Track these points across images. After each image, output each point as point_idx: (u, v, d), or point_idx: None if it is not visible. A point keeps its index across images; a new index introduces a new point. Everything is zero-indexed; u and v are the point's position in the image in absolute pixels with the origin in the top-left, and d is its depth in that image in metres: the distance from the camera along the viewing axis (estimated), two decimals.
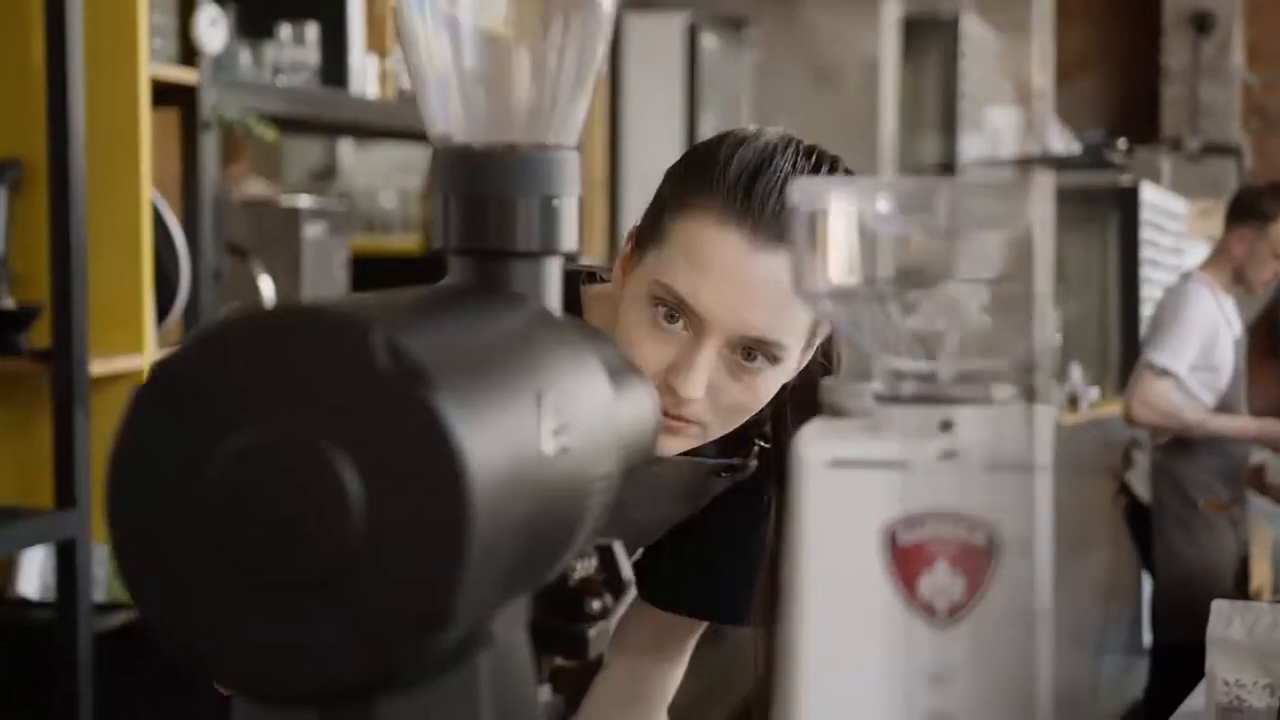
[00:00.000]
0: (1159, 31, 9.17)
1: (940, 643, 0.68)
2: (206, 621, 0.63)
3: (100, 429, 2.48)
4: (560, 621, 0.82)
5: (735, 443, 1.38)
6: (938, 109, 7.36)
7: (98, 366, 2.47)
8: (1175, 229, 7.43)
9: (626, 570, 0.87)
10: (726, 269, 1.23)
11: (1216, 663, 1.94)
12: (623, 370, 0.87)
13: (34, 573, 2.66)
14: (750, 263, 1.23)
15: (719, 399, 1.27)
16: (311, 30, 3.05)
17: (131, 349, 2.56)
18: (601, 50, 0.86)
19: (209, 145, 2.71)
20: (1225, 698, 1.93)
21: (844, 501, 0.69)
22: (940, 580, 0.68)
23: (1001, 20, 8.49)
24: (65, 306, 2.37)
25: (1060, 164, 5.86)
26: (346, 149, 5.29)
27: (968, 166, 5.39)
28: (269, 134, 2.77)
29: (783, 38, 5.52)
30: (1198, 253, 8.28)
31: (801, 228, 0.72)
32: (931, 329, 0.72)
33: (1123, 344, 7.04)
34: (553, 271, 0.83)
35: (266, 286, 2.94)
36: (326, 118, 3.20)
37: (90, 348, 2.45)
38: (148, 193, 2.55)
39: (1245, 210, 4.34)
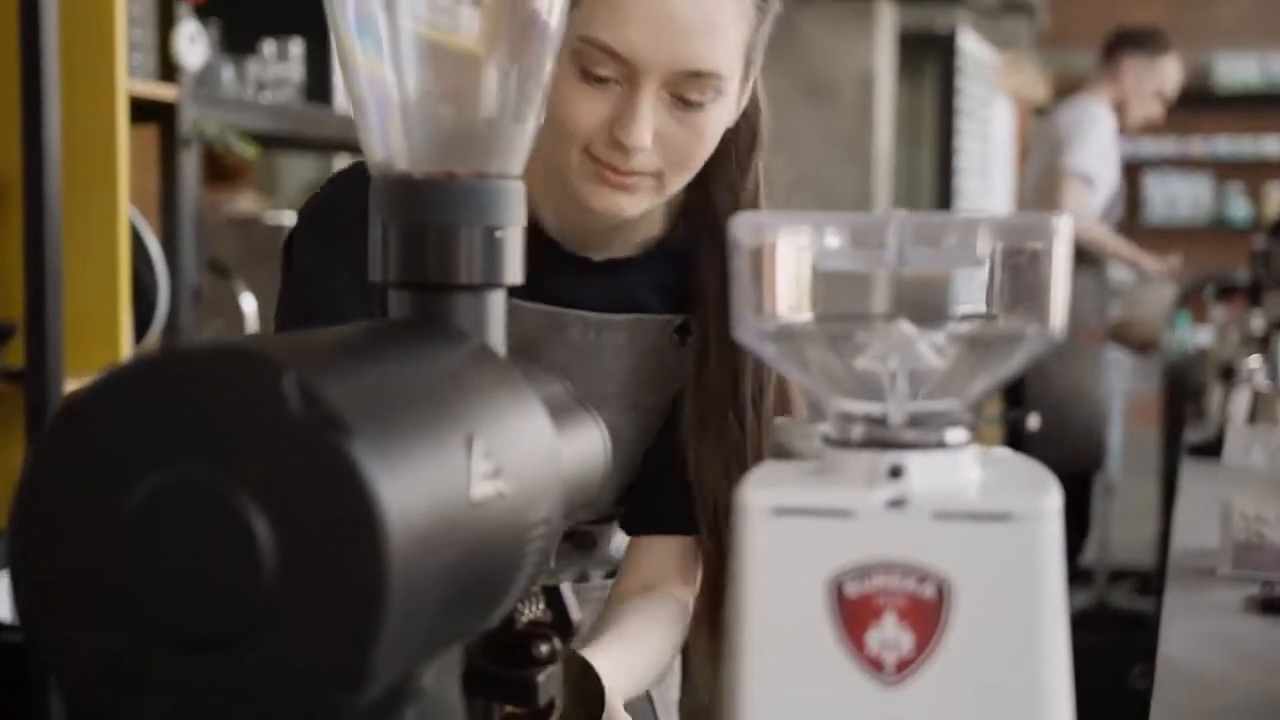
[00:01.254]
0: None
1: (888, 700, 0.65)
2: (108, 674, 0.60)
3: None
4: (507, 667, 0.79)
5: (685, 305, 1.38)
6: (934, 123, 7.36)
7: (73, 387, 2.44)
8: (986, 81, 7.62)
9: (575, 612, 0.84)
10: (648, 6, 1.20)
11: (1233, 494, 1.82)
12: (568, 407, 0.84)
13: (7, 595, 2.62)
14: None
15: (667, 145, 1.24)
16: (296, 46, 3.02)
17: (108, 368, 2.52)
18: (547, 73, 0.83)
19: (189, 162, 2.68)
20: (1243, 533, 1.81)
21: (789, 551, 0.66)
22: (888, 634, 0.65)
23: (998, 35, 8.52)
24: (39, 326, 2.34)
25: None
26: (342, 164, 5.27)
27: None
28: (249, 151, 2.74)
29: (778, 53, 5.47)
30: (1002, 106, 8.50)
31: (744, 263, 0.69)
32: (882, 369, 0.69)
33: (937, 195, 7.23)
34: (496, 305, 0.80)
35: (249, 305, 2.91)
36: (309, 134, 3.16)
37: (66, 367, 2.42)
38: (125, 210, 2.52)
39: (1136, 42, 4.47)
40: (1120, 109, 4.50)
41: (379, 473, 0.58)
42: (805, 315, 0.70)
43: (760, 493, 0.67)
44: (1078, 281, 4.45)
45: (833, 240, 0.69)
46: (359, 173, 1.30)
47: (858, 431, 0.69)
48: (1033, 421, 3.61)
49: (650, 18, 1.19)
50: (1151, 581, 5.19)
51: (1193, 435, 3.33)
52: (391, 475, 0.59)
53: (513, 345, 1.26)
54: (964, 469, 0.68)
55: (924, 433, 0.68)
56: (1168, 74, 4.50)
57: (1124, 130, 4.57)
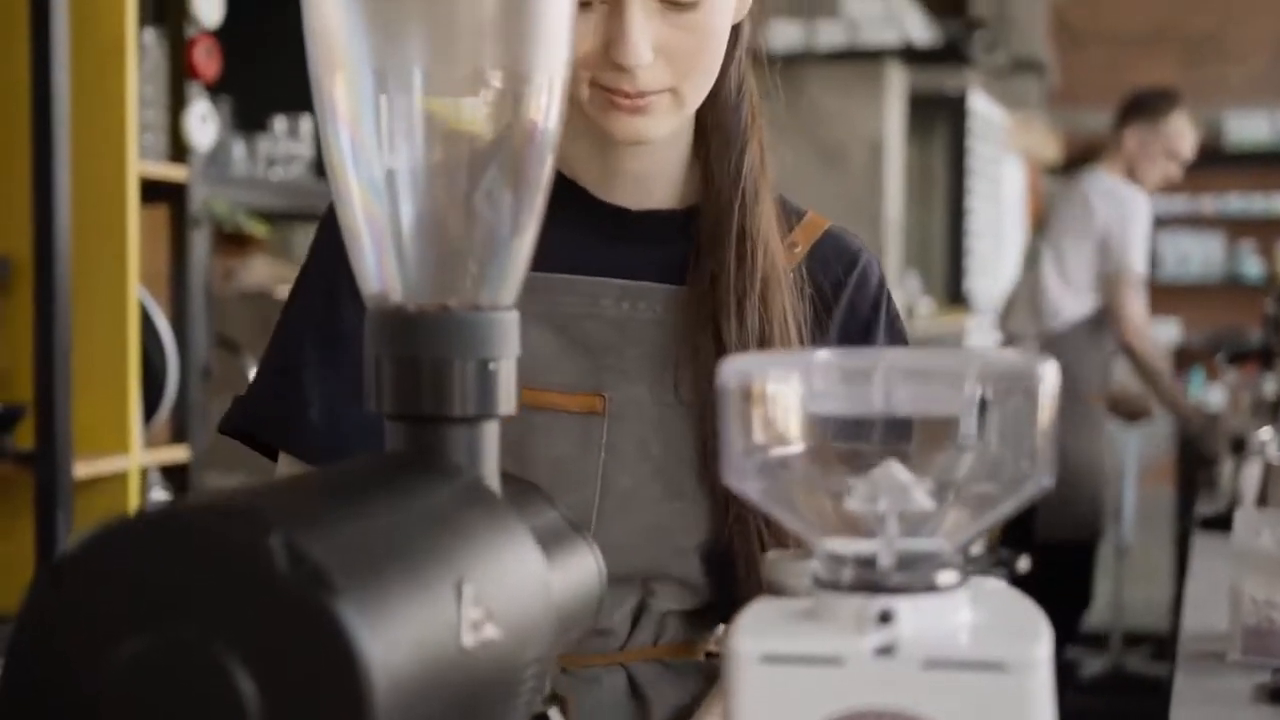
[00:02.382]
0: None
1: None
2: None
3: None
4: None
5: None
6: (946, 184, 7.38)
7: (82, 469, 2.44)
8: (996, 140, 7.66)
9: None
10: None
11: (1243, 578, 1.78)
12: (560, 534, 0.84)
13: None
14: None
15: (671, 54, 1.17)
16: (306, 123, 3.04)
17: (118, 449, 2.53)
18: (539, 205, 0.83)
19: (199, 242, 2.70)
20: (1253, 618, 1.78)
21: (779, 698, 0.66)
22: None
23: (1008, 95, 8.55)
24: (49, 408, 2.35)
25: (919, 56, 5.87)
26: None
27: (825, 54, 5.33)
28: (259, 229, 2.76)
29: (787, 118, 5.50)
30: (1012, 165, 8.56)
31: (731, 404, 0.69)
32: (870, 510, 0.69)
33: (948, 255, 7.25)
34: (490, 435, 0.80)
35: None
36: (320, 210, 3.16)
37: (76, 448, 2.42)
38: (135, 291, 2.53)
39: (1137, 109, 4.51)
40: (1132, 176, 4.52)
41: (366, 631, 0.58)
42: (794, 456, 0.70)
43: (749, 640, 0.67)
44: (1083, 348, 4.47)
45: (821, 383, 0.69)
46: None
47: (847, 574, 0.69)
48: (1023, 564, 3.61)
49: None
50: (1167, 646, 5.15)
51: (1204, 507, 3.32)
52: (379, 633, 0.59)
53: (541, 323, 1.24)
54: (954, 612, 0.68)
55: (914, 575, 0.68)
56: (1174, 134, 4.51)
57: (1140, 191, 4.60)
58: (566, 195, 1.28)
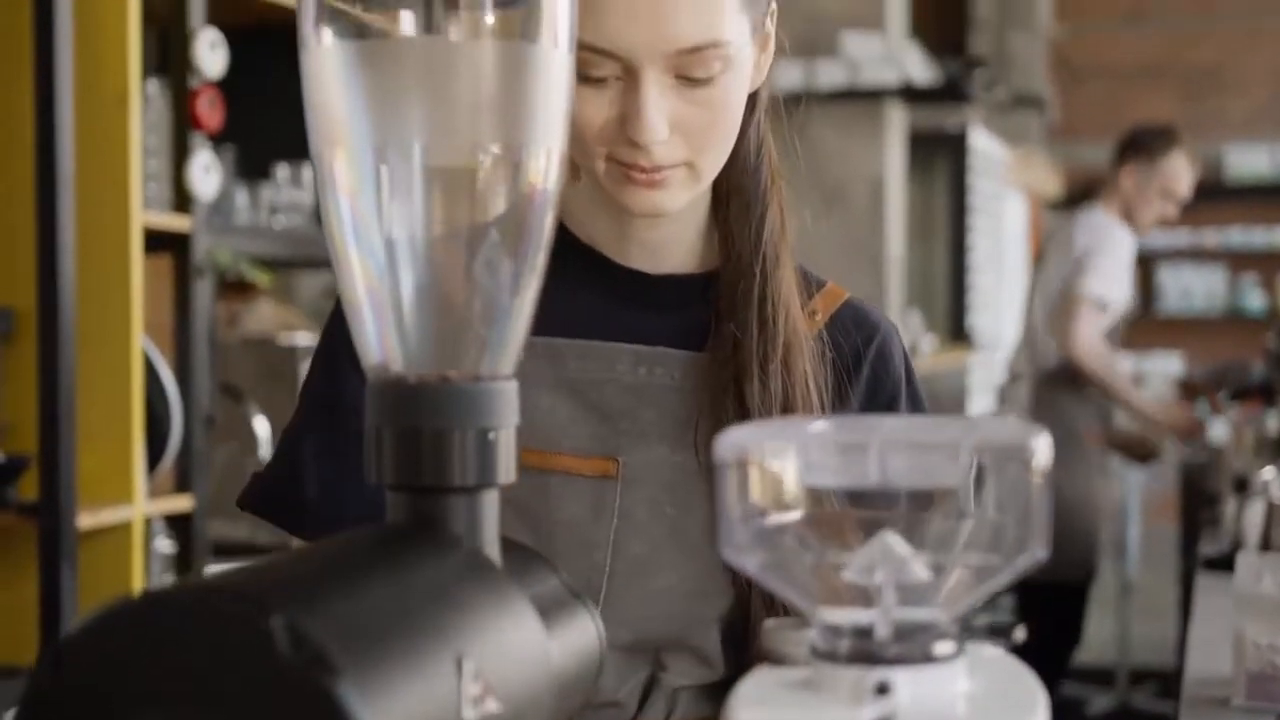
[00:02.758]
0: None
1: None
2: None
3: (88, 584, 2.45)
4: None
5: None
6: (947, 220, 7.41)
7: (86, 519, 2.45)
8: (997, 176, 7.69)
9: None
10: None
11: (1245, 623, 1.77)
12: (561, 602, 0.84)
13: None
14: None
15: (687, 130, 1.15)
16: (308, 170, 3.06)
17: (122, 499, 2.54)
18: (538, 274, 0.84)
19: (202, 291, 2.71)
20: (1256, 663, 1.77)
21: None
22: None
23: (1008, 130, 8.58)
24: (53, 459, 2.35)
25: (918, 95, 5.88)
26: None
27: (825, 94, 5.36)
28: (262, 278, 2.77)
29: (789, 158, 5.52)
30: (1015, 201, 8.59)
31: (728, 476, 0.70)
32: (868, 581, 0.70)
33: (951, 292, 7.27)
34: (490, 504, 0.81)
35: (262, 428, 2.93)
36: (322, 257, 3.19)
37: (79, 499, 2.43)
38: (139, 341, 2.54)
39: (1134, 148, 4.52)
40: (1128, 215, 4.53)
41: (367, 712, 0.59)
42: (790, 527, 0.71)
43: (748, 710, 0.67)
44: (1076, 387, 4.47)
45: (817, 455, 0.69)
46: None
47: (844, 645, 0.69)
48: (1019, 634, 3.60)
49: (626, 3, 1.11)
50: (1173, 683, 5.14)
51: (1208, 547, 3.31)
52: (380, 712, 0.60)
53: (557, 389, 1.23)
54: (952, 682, 0.68)
55: (911, 646, 0.68)
56: (1171, 174, 4.52)
57: (1138, 233, 4.60)
58: (583, 261, 1.28)
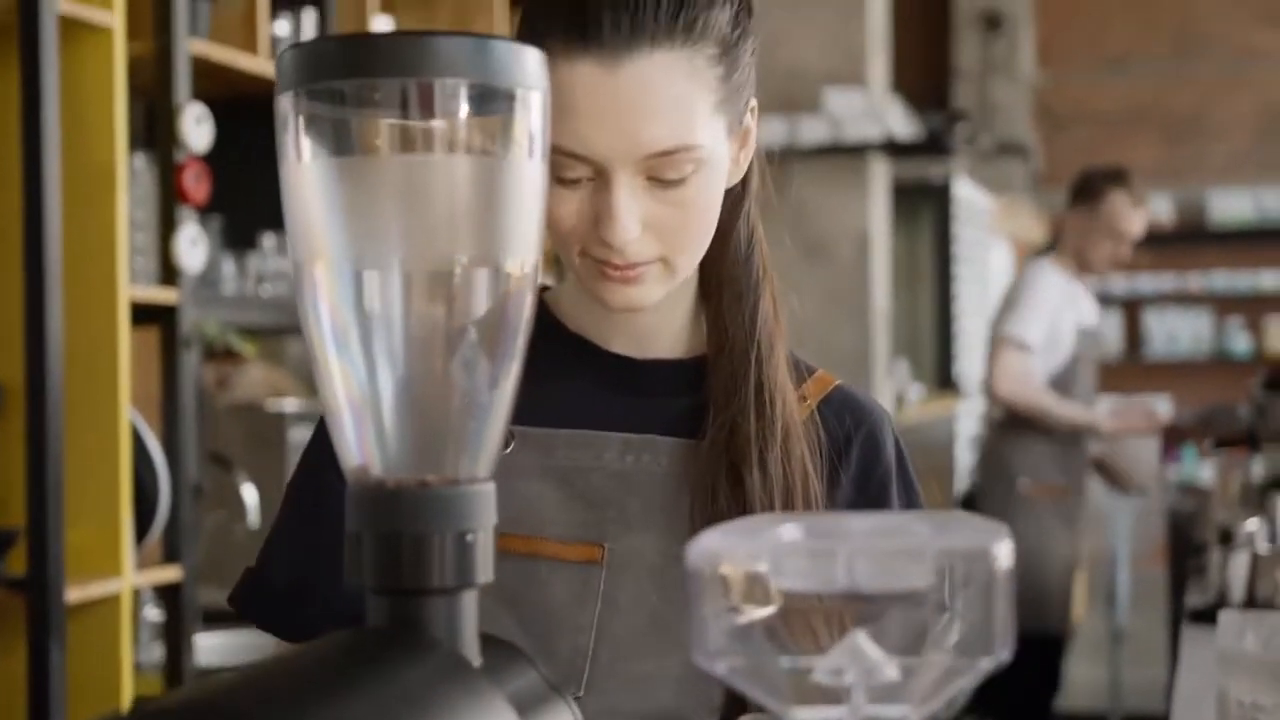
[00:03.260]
0: (949, 30, 9.43)
1: None
2: None
3: (77, 657, 2.46)
4: None
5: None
6: (932, 270, 7.45)
7: (75, 593, 2.45)
8: (982, 225, 7.73)
9: None
10: (593, 100, 1.13)
11: (1229, 682, 1.77)
12: (541, 696, 0.86)
13: None
14: (614, 82, 1.13)
15: (660, 229, 1.17)
16: None
17: (110, 573, 2.54)
18: (514, 378, 0.86)
19: (189, 363, 2.73)
20: None
21: None
22: None
23: (993, 178, 8.64)
24: (42, 534, 2.36)
25: (900, 149, 5.92)
26: None
27: (809, 150, 5.38)
28: (248, 349, 2.79)
29: (772, 212, 5.56)
30: (1001, 249, 8.63)
31: (699, 582, 0.72)
32: (838, 683, 0.72)
33: (937, 340, 7.30)
34: (469, 604, 0.83)
35: (250, 496, 2.94)
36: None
37: (68, 572, 2.44)
38: (126, 414, 2.55)
39: (1079, 193, 4.56)
40: (1080, 260, 4.57)
41: None
42: (761, 631, 0.73)
43: None
44: (1032, 440, 4.46)
45: (787, 562, 0.71)
46: None
47: None
48: None
49: (596, 109, 1.13)
50: None
51: (1194, 598, 3.32)
52: None
53: (544, 477, 1.24)
54: None
55: None
56: (1113, 213, 4.50)
57: (1094, 274, 4.64)
58: (573, 349, 1.30)
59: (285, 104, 0.81)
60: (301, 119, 0.81)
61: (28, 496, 2.39)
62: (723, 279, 1.28)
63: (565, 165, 1.15)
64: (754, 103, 1.25)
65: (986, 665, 0.71)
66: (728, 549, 0.72)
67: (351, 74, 0.80)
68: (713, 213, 1.20)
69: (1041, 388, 4.46)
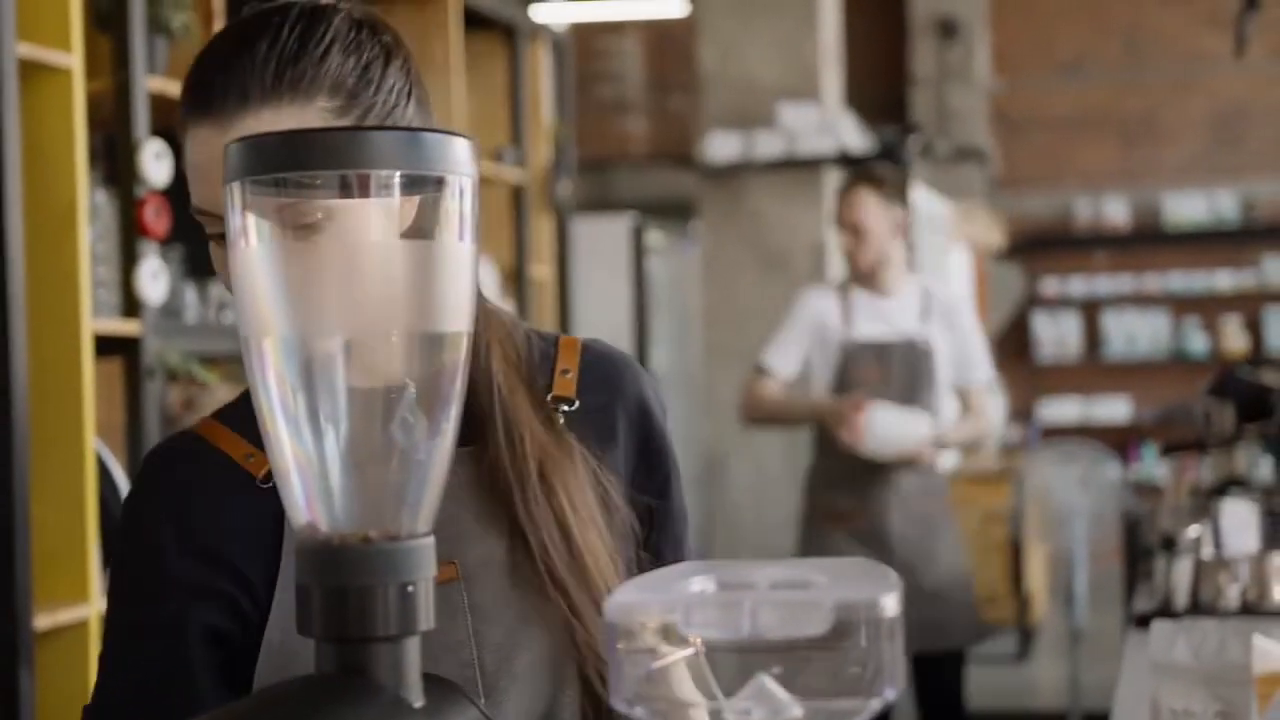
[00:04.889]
0: (905, 37, 9.55)
1: None
2: None
3: (45, 684, 2.51)
4: None
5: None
6: None
7: (43, 620, 2.51)
8: (940, 230, 7.82)
9: None
10: (207, 158, 1.20)
11: (1161, 691, 1.82)
12: None
13: None
14: (224, 140, 1.10)
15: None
16: None
17: (77, 599, 2.60)
18: (451, 440, 0.93)
19: (152, 393, 2.78)
20: None
21: None
22: None
23: (951, 183, 8.74)
24: (8, 564, 2.42)
25: (854, 162, 5.84)
26: None
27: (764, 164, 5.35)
28: (210, 378, 2.85)
29: (729, 227, 5.67)
30: (959, 254, 8.73)
31: (615, 634, 0.79)
32: None
33: None
34: (411, 650, 0.89)
35: None
36: None
37: (36, 599, 2.49)
38: (91, 445, 2.61)
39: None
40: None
41: None
42: (673, 678, 0.80)
43: None
44: (815, 470, 4.35)
45: (697, 614, 0.78)
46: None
47: None
48: None
49: (215, 167, 1.17)
50: None
51: (1141, 602, 3.39)
52: None
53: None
54: None
55: None
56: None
57: (859, 271, 4.30)
58: None
59: (232, 193, 0.87)
60: (248, 207, 0.87)
61: None
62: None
63: (209, 223, 1.22)
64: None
65: (875, 705, 0.78)
66: (641, 603, 0.79)
67: (292, 167, 0.86)
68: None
69: (766, 392, 4.26)
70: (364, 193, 0.87)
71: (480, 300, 1.32)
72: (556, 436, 1.30)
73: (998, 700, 6.02)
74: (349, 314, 0.89)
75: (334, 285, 0.89)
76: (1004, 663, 6.90)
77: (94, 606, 2.63)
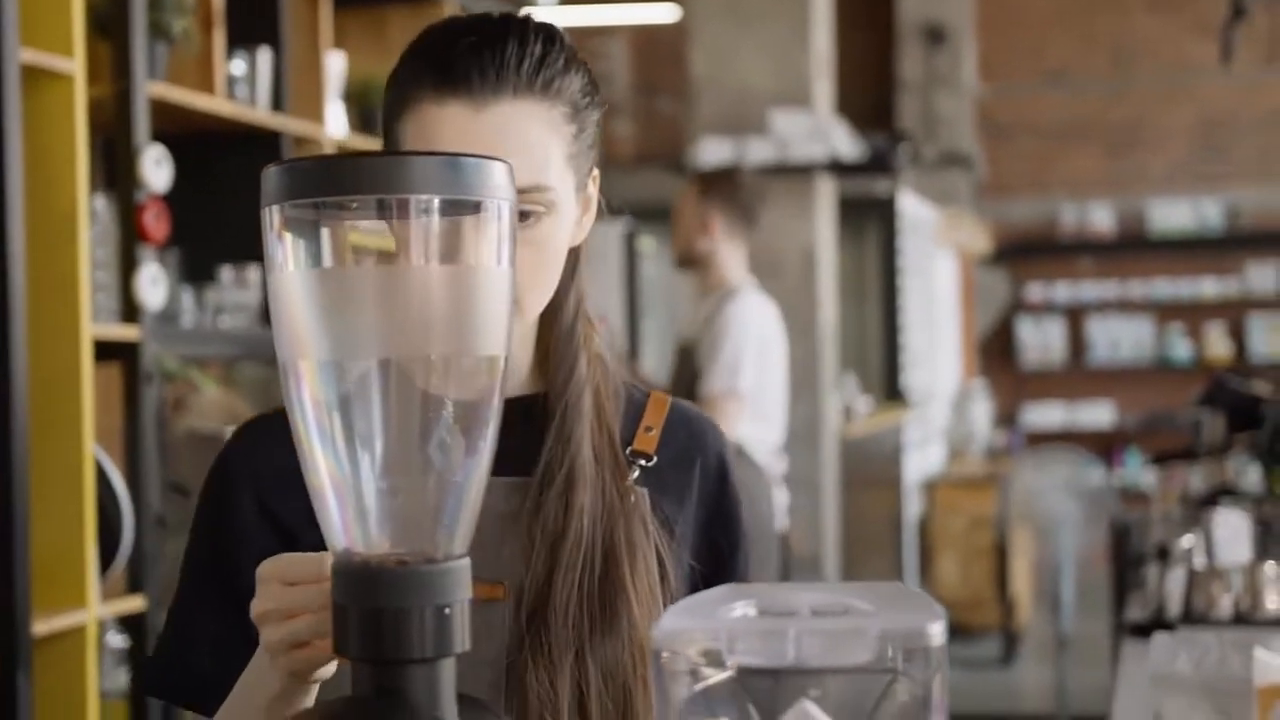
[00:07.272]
0: (893, 43, 9.58)
1: None
2: None
3: (43, 688, 2.50)
4: None
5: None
6: (879, 282, 7.56)
7: (40, 626, 2.50)
8: (927, 236, 7.85)
9: None
10: (460, 137, 1.20)
11: (1163, 703, 1.82)
12: None
13: None
14: (478, 123, 1.21)
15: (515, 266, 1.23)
16: (253, 272, 3.14)
17: (75, 604, 2.59)
18: (487, 463, 0.93)
19: (150, 397, 2.78)
20: None
21: None
22: None
23: (938, 189, 8.75)
24: (7, 567, 2.41)
25: (845, 169, 5.93)
26: None
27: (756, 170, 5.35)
28: (208, 384, 2.85)
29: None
30: (945, 260, 8.75)
31: (661, 661, 0.79)
32: None
33: (884, 352, 7.42)
34: (447, 672, 0.89)
35: None
36: (267, 355, 3.27)
37: (34, 604, 2.48)
38: (90, 449, 2.60)
39: None
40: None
41: None
42: (718, 702, 0.80)
43: None
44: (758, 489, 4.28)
45: (741, 642, 0.79)
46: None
47: None
48: None
49: (463, 146, 1.19)
50: None
51: (1134, 611, 3.40)
52: None
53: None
54: None
55: None
56: None
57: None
58: None
59: (270, 217, 0.88)
60: (286, 231, 0.88)
61: None
62: (552, 338, 1.32)
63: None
64: (597, 172, 1.32)
65: None
66: (685, 630, 0.79)
67: (332, 191, 0.87)
68: (561, 258, 1.27)
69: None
70: (403, 217, 0.87)
71: (591, 342, 1.32)
72: (619, 487, 1.29)
73: (982, 705, 6.03)
74: (384, 337, 0.89)
75: (370, 309, 0.89)
76: (988, 667, 6.92)
77: (91, 612, 2.62)
